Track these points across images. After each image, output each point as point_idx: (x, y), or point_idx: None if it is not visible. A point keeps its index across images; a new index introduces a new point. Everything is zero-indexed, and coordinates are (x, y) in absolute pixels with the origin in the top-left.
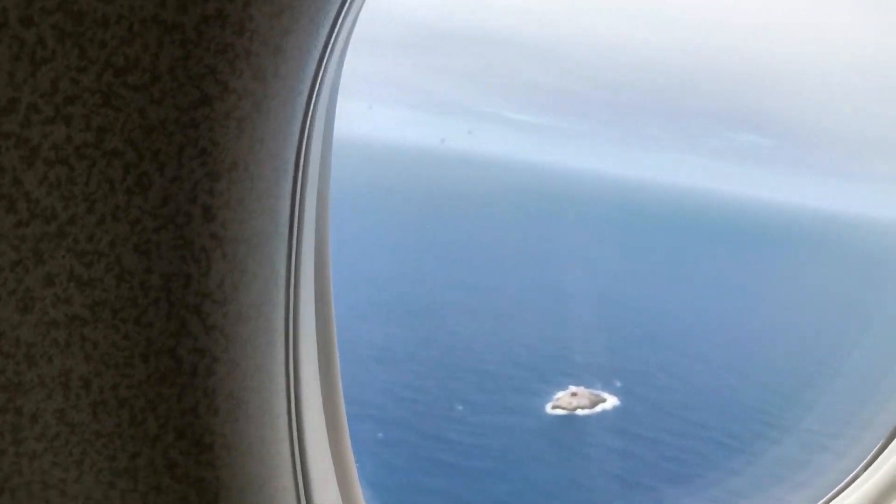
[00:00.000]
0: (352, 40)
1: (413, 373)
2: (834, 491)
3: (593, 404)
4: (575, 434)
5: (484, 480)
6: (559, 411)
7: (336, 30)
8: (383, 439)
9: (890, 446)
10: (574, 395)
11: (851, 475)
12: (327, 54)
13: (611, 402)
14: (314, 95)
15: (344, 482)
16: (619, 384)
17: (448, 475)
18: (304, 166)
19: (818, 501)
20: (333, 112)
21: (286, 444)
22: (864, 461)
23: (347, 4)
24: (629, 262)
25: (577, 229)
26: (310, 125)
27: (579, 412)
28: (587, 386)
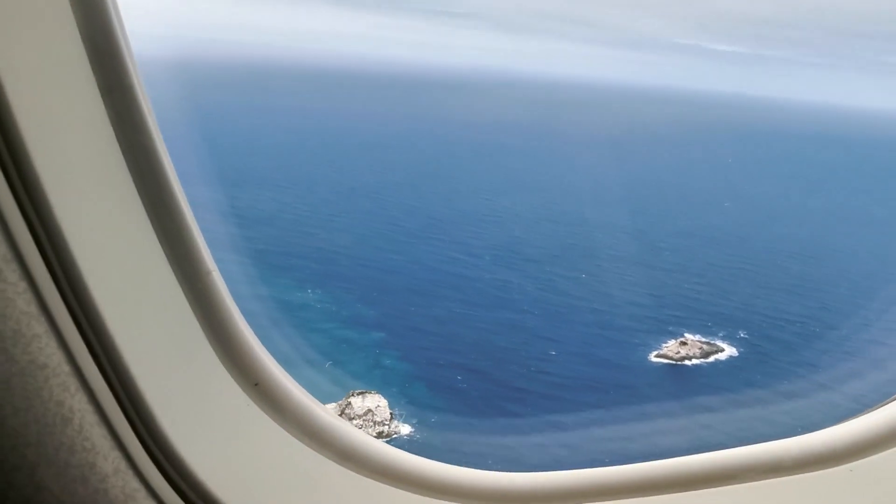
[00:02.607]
0: None
1: (521, 314)
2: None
3: (706, 354)
4: (670, 386)
5: (539, 436)
6: (661, 360)
7: None
8: (463, 386)
9: None
10: (683, 343)
11: None
12: None
13: (727, 352)
14: None
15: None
16: (743, 335)
17: (511, 430)
18: None
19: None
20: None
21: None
22: None
23: None
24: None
25: (778, 164)
26: None
27: (687, 363)
28: (705, 335)
